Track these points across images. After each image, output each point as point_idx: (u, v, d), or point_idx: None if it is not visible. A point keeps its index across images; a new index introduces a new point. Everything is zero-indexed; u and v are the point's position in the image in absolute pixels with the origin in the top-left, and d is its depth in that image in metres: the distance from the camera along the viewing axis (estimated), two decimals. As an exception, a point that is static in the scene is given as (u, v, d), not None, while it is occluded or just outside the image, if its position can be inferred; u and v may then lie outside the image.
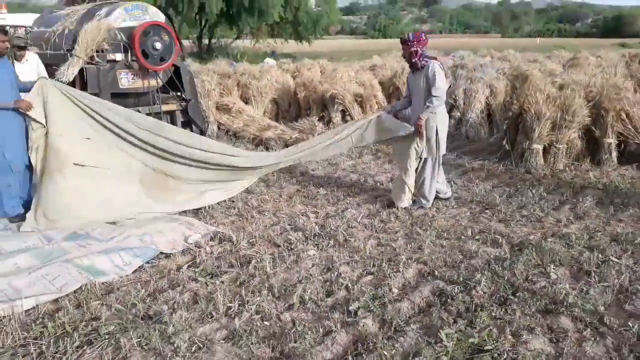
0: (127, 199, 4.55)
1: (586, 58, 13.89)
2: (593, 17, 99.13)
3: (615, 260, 3.55)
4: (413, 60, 4.44)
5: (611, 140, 5.97)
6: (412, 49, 4.41)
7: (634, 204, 4.66)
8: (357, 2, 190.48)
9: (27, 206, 4.52)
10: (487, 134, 7.74)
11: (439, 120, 4.49)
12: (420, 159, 4.61)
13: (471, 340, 2.66)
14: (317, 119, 8.05)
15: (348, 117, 8.23)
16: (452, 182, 5.49)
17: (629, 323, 2.79)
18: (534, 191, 5.09)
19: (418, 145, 4.55)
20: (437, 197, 4.83)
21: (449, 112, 8.23)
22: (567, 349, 2.61)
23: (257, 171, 5.03)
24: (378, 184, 5.60)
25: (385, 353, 2.57)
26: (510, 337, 2.70)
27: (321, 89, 8.58)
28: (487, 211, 4.63)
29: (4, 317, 2.96)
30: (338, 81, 8.88)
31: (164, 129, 4.66)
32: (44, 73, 5.63)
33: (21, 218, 4.41)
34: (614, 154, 5.98)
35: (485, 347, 2.59)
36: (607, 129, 5.97)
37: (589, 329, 2.78)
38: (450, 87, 8.39)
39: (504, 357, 2.54)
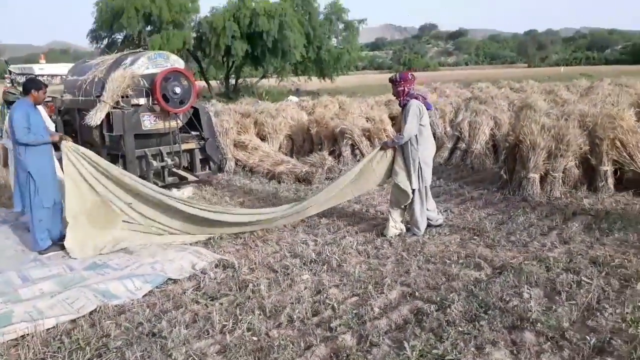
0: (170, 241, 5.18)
1: (602, 87, 13.99)
2: (623, 43, 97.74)
3: (587, 280, 3.75)
4: (399, 99, 4.81)
5: (607, 167, 6.15)
6: (399, 88, 4.79)
7: (620, 228, 4.84)
8: (384, 38, 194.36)
9: (54, 239, 5.03)
10: (493, 165, 7.97)
11: (421, 154, 4.79)
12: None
13: (435, 351, 2.92)
14: (327, 153, 8.45)
15: (357, 151, 8.61)
16: (449, 211, 5.76)
17: (587, 337, 3.00)
18: (524, 218, 5.31)
19: (402, 179, 4.86)
20: (430, 225, 5.10)
21: (455, 144, 8.56)
22: (524, 360, 2.84)
23: (284, 219, 5.38)
24: (379, 213, 5.90)
25: (356, 363, 2.86)
26: (473, 349, 2.95)
27: (332, 124, 9.01)
28: (476, 237, 4.87)
29: (27, 334, 3.38)
30: (348, 116, 9.32)
31: (198, 204, 5.28)
32: (49, 121, 6.16)
33: (49, 250, 4.93)
34: (610, 180, 6.14)
35: (447, 358, 2.85)
36: (603, 157, 6.16)
37: (549, 343, 3.00)
38: (461, 119, 8.70)
39: (464, 366, 2.79)
